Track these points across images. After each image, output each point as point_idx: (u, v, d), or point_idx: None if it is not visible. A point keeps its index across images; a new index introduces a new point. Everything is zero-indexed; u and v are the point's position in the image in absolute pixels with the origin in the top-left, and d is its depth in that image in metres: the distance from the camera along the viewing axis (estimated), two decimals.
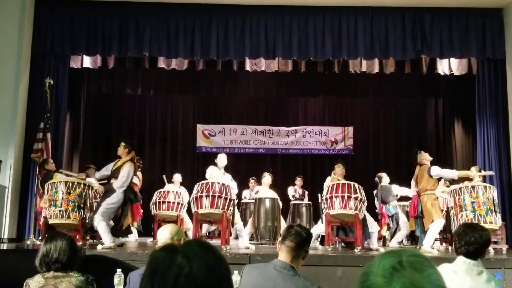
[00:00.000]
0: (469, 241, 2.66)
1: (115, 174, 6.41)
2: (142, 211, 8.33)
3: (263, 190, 8.42)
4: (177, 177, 9.07)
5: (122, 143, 6.56)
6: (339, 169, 7.11)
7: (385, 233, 8.11)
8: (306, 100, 12.01)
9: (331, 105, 12.12)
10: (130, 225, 8.05)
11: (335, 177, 7.03)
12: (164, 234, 2.79)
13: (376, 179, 8.47)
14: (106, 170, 6.62)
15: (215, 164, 7.03)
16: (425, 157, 6.91)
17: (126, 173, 6.31)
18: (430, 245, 6.58)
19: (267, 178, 8.44)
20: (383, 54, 8.32)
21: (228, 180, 6.88)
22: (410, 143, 11.83)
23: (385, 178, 8.35)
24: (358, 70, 9.28)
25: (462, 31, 8.23)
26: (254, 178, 9.63)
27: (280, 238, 2.62)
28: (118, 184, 6.28)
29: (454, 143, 10.39)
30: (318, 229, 7.11)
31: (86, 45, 8.15)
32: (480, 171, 7.33)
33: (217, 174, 6.86)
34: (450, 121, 10.65)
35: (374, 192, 8.52)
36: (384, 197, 8.23)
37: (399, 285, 0.95)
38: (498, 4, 8.26)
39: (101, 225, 6.18)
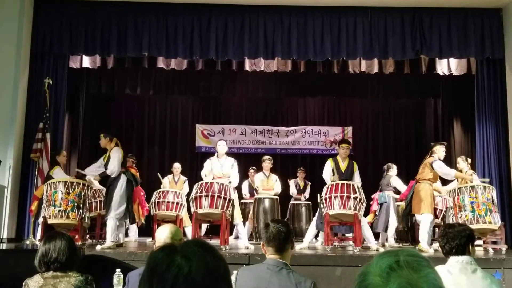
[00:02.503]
0: (449, 238, 2.76)
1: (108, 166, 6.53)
2: (147, 205, 8.30)
3: (262, 178, 8.46)
4: (177, 165, 9.03)
5: (101, 135, 6.70)
6: (343, 151, 7.10)
7: (371, 219, 8.13)
8: (305, 100, 12.01)
9: (330, 105, 12.12)
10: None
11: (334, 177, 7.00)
12: (162, 234, 2.78)
13: (385, 167, 8.49)
14: (101, 166, 6.67)
15: (215, 153, 7.10)
16: (439, 152, 6.96)
17: (116, 157, 6.42)
18: (426, 241, 6.62)
19: (266, 163, 8.49)
20: (382, 54, 8.32)
21: (228, 168, 6.89)
22: (409, 143, 11.88)
23: (392, 170, 8.33)
24: (358, 70, 9.29)
25: (461, 31, 8.24)
26: (254, 168, 9.60)
27: (262, 241, 2.60)
28: (112, 169, 6.39)
29: (453, 143, 10.39)
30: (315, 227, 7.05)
31: (85, 45, 8.14)
32: (466, 160, 7.42)
33: (209, 171, 6.91)
34: (449, 121, 10.65)
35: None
36: (382, 185, 8.29)
37: (395, 285, 0.95)
38: (497, 4, 8.26)
39: (110, 222, 6.31)
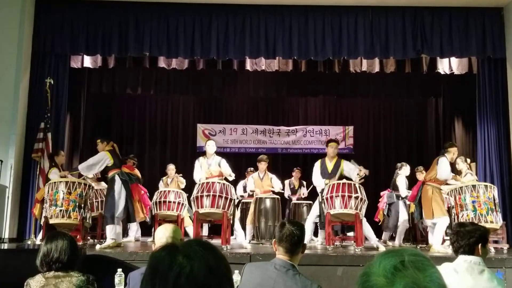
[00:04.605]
0: (459, 236, 2.73)
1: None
2: (150, 203, 8.28)
3: (256, 179, 8.42)
4: (171, 166, 9.03)
5: (98, 140, 6.92)
6: (331, 149, 7.05)
7: (381, 217, 8.12)
8: (306, 99, 12.00)
9: (332, 104, 12.11)
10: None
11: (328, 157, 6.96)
12: (161, 234, 2.77)
13: (398, 165, 8.45)
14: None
15: (204, 153, 7.20)
16: (451, 153, 6.87)
17: (96, 157, 6.66)
18: (440, 243, 6.60)
19: (262, 165, 8.44)
20: (384, 54, 8.31)
21: (215, 166, 6.96)
22: (411, 143, 11.87)
23: (404, 169, 8.28)
24: (359, 69, 9.28)
25: (463, 30, 8.23)
26: (251, 169, 9.54)
27: (274, 238, 2.60)
28: (82, 164, 6.72)
29: (455, 143, 10.37)
30: (312, 217, 7.00)
31: (86, 44, 8.15)
32: (466, 161, 7.38)
33: (198, 171, 7.02)
34: (451, 120, 10.65)
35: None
36: (392, 184, 8.33)
37: (401, 285, 0.94)
38: (498, 4, 8.25)
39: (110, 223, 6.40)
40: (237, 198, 9.01)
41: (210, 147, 7.21)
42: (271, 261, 2.53)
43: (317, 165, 7.11)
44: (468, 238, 2.70)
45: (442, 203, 6.85)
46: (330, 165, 6.99)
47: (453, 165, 7.20)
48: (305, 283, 2.40)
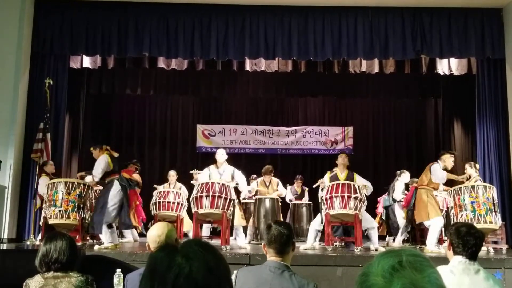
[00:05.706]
0: (475, 244, 2.66)
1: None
2: (143, 214, 8.28)
3: (262, 186, 8.42)
4: (172, 173, 9.02)
5: (91, 148, 6.90)
6: (341, 159, 7.02)
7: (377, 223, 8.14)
8: (306, 100, 12.01)
9: (331, 105, 12.12)
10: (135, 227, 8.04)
11: (337, 170, 6.97)
12: (154, 232, 2.75)
13: (398, 172, 8.45)
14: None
15: (215, 161, 7.05)
16: (446, 161, 6.89)
17: (99, 163, 6.53)
18: (434, 244, 6.61)
19: (267, 177, 8.43)
20: (383, 54, 8.31)
21: (227, 176, 6.84)
22: (410, 143, 11.88)
23: (404, 176, 8.29)
24: (358, 70, 9.28)
25: (462, 31, 8.23)
26: (254, 177, 9.53)
27: (263, 242, 2.58)
28: (94, 173, 6.51)
29: (454, 143, 10.38)
30: (316, 224, 7.00)
31: (85, 45, 8.14)
32: (474, 166, 7.37)
33: (204, 178, 6.85)
34: (450, 121, 10.65)
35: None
36: (389, 189, 8.34)
37: (399, 286, 0.94)
38: (498, 4, 8.26)
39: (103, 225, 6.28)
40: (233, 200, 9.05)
41: (220, 155, 7.03)
42: (264, 264, 2.51)
43: (326, 176, 7.03)
44: (481, 244, 2.68)
45: (436, 204, 6.89)
46: (342, 176, 6.89)
47: (452, 170, 7.21)
48: (302, 283, 2.40)
